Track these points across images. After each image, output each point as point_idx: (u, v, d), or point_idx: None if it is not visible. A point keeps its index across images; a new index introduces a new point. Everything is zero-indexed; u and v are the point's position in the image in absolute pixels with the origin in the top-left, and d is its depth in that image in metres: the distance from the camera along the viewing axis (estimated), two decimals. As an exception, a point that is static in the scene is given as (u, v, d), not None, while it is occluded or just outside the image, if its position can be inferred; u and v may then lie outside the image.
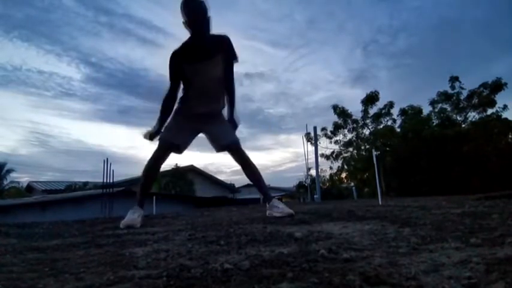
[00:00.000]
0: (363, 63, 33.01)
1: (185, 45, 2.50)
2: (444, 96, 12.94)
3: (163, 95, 2.62)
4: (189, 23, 2.38)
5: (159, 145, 2.59)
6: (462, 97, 12.74)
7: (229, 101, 2.73)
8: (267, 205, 2.62)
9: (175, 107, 2.66)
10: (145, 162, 2.63)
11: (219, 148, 2.69)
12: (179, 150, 2.67)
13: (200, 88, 2.56)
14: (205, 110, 2.63)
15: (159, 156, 2.62)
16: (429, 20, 29.59)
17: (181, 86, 2.63)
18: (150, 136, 2.63)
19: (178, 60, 2.49)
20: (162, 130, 2.63)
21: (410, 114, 13.25)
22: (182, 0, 2.35)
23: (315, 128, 13.97)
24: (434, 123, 12.81)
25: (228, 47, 2.54)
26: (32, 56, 33.24)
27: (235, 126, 2.75)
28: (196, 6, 2.37)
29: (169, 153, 2.66)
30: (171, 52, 2.52)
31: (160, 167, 2.69)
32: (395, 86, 31.04)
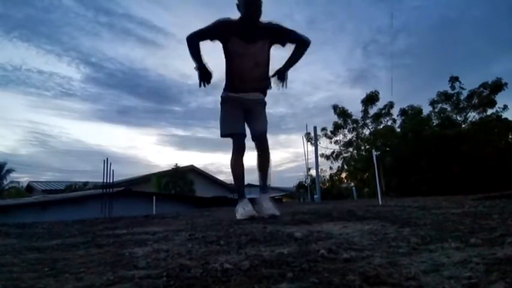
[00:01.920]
0: (362, 63, 32.97)
1: (239, 21, 2.56)
2: (444, 96, 12.92)
3: (191, 35, 2.57)
4: (245, 11, 2.49)
5: (234, 141, 2.68)
6: (462, 97, 12.72)
7: (293, 55, 2.74)
8: (256, 198, 2.70)
9: (221, 95, 2.77)
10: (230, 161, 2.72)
11: (251, 137, 2.76)
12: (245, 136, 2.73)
13: (240, 70, 2.64)
14: (247, 94, 2.71)
15: (239, 149, 2.69)
16: (429, 20, 29.51)
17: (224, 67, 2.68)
18: (204, 79, 2.63)
19: (228, 28, 2.54)
20: (222, 126, 2.71)
21: (411, 114, 13.22)
22: None
23: (315, 128, 13.96)
24: (434, 124, 12.79)
25: (279, 30, 2.64)
26: (32, 56, 33.23)
27: (281, 76, 2.76)
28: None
29: (244, 141, 2.72)
30: (224, 17, 2.55)
31: (243, 159, 2.75)
32: (395, 86, 30.98)
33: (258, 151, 2.80)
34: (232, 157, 2.72)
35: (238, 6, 2.55)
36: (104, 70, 36.11)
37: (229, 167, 2.72)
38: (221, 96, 2.79)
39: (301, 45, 2.71)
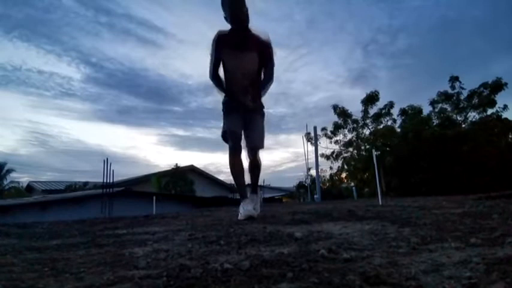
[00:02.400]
0: (362, 63, 32.91)
1: (230, 32, 2.64)
2: (444, 96, 12.92)
3: (209, 73, 2.76)
4: (230, 19, 2.55)
5: (228, 140, 2.69)
6: (462, 97, 12.74)
7: (263, 82, 2.82)
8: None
9: (222, 101, 2.80)
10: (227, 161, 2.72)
11: (246, 147, 2.79)
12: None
13: (233, 76, 2.70)
14: (242, 100, 2.68)
15: (234, 149, 2.70)
16: (429, 20, 29.51)
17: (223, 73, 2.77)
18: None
19: (222, 42, 2.65)
20: (225, 123, 2.75)
21: (411, 114, 13.23)
22: None
23: (315, 128, 13.99)
24: (435, 123, 12.79)
25: (267, 51, 2.72)
26: (32, 56, 33.09)
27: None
28: (238, 2, 2.51)
29: (239, 140, 2.73)
30: (217, 32, 2.66)
31: (240, 158, 2.74)
32: (395, 86, 30.99)
33: (249, 161, 2.81)
34: (229, 157, 2.72)
35: (226, 18, 2.59)
36: (104, 70, 36.04)
37: (228, 167, 2.72)
38: (222, 103, 2.81)
39: (268, 79, 2.81)
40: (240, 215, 2.53)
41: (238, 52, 2.63)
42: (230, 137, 2.69)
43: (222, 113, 2.81)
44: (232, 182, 2.99)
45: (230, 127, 2.69)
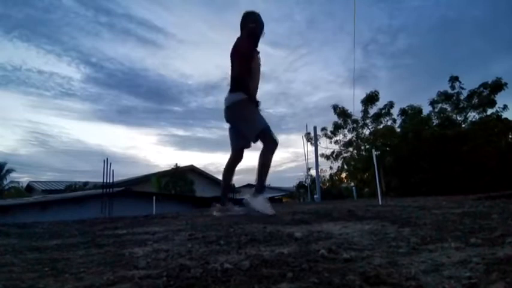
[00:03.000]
0: (362, 63, 32.95)
1: (252, 39, 2.97)
2: (444, 96, 12.93)
3: (243, 76, 2.87)
4: (256, 30, 2.96)
5: (272, 133, 2.81)
6: (462, 97, 12.74)
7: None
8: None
9: (244, 96, 2.86)
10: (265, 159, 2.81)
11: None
12: None
13: (255, 77, 2.99)
14: (256, 101, 3.00)
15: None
16: (429, 20, 29.48)
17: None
18: None
19: (253, 46, 2.97)
20: (257, 122, 2.81)
21: (411, 114, 13.23)
22: (251, 12, 2.97)
23: (315, 128, 13.98)
24: (434, 123, 12.80)
25: None
26: (32, 56, 33.08)
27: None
28: (262, 19, 3.01)
29: None
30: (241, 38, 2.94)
31: None
32: (395, 86, 30.98)
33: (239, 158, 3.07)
34: (274, 152, 2.81)
35: (242, 27, 2.98)
36: (104, 70, 36.04)
37: (268, 164, 2.81)
38: (242, 99, 2.85)
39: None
40: (269, 208, 2.67)
41: (258, 58, 3.01)
42: (271, 132, 2.81)
43: (243, 110, 2.86)
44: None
45: (268, 124, 2.82)
